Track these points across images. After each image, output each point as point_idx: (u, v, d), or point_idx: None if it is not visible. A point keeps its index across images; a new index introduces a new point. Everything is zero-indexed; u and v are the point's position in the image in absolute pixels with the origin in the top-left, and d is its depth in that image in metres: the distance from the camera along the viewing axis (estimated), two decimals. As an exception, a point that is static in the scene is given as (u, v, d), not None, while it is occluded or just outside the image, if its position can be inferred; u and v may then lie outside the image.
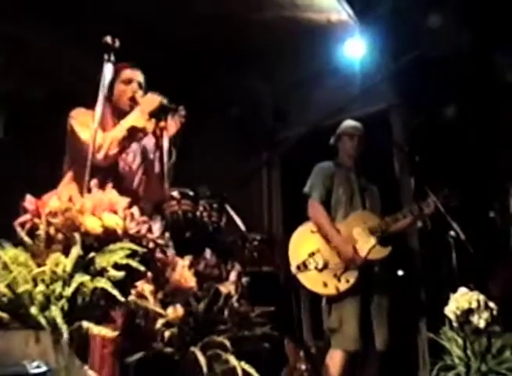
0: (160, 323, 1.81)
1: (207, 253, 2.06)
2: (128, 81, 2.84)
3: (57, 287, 1.42)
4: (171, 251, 1.80)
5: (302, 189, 3.82)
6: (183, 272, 1.79)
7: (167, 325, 1.84)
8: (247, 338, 2.00)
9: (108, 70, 2.41)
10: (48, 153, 2.90)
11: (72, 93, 3.11)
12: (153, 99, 2.71)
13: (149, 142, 2.89)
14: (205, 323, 1.93)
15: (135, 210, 1.62)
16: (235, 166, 5.40)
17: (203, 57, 5.10)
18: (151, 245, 1.58)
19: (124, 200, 1.61)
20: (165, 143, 2.63)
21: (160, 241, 1.63)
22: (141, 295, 1.68)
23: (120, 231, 1.51)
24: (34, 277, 1.44)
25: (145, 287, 1.64)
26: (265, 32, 4.95)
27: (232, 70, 5.26)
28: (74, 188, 1.61)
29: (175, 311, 1.85)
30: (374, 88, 4.74)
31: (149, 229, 1.60)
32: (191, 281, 1.85)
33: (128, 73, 2.85)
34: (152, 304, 1.75)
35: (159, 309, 1.64)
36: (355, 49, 4.81)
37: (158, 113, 2.71)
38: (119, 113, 2.80)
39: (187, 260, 1.83)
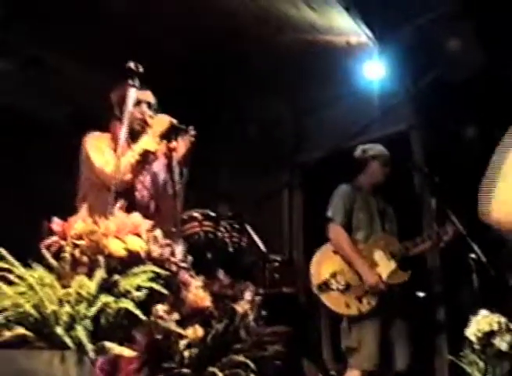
0: (182, 344, 1.84)
1: (220, 273, 2.09)
2: (137, 102, 2.82)
3: (82, 308, 1.45)
4: (190, 273, 1.83)
5: (323, 210, 3.82)
6: (198, 292, 1.82)
7: (187, 345, 1.86)
8: (262, 357, 2.02)
9: (132, 94, 2.45)
10: (70, 173, 2.95)
11: (93, 114, 3.17)
12: (163, 121, 2.75)
13: (160, 163, 2.93)
14: (222, 342, 1.95)
15: (158, 233, 1.65)
16: (256, 187, 5.43)
17: (224, 79, 5.18)
18: (174, 268, 1.62)
19: (147, 223, 1.65)
20: (175, 164, 2.67)
21: (182, 264, 1.66)
22: (158, 316, 1.70)
23: (143, 254, 1.54)
24: (59, 298, 1.48)
25: (158, 307, 1.67)
26: (285, 54, 5.00)
27: (252, 91, 5.33)
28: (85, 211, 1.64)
29: (195, 331, 1.87)
30: (394, 109, 4.76)
31: (172, 253, 1.64)
32: (206, 301, 1.87)
33: (137, 94, 2.76)
34: (172, 325, 1.77)
35: (180, 330, 1.67)
36: (375, 71, 4.84)
37: (168, 134, 2.74)
38: (132, 135, 2.78)
39: (200, 281, 1.86)
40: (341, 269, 3.64)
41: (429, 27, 4.33)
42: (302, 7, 4.50)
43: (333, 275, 3.62)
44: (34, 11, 4.37)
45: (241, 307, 2.04)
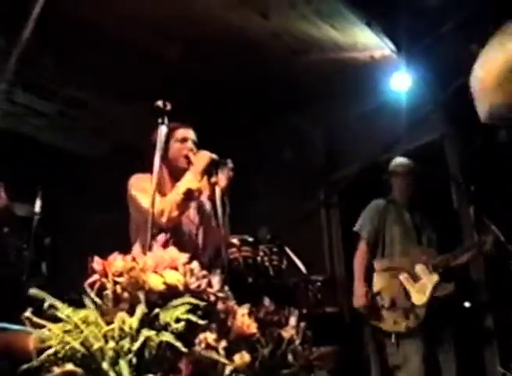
0: (228, 370, 1.86)
1: (266, 300, 2.11)
2: (184, 140, 2.97)
3: (125, 343, 1.49)
4: (231, 301, 1.86)
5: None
6: (244, 319, 1.84)
7: (235, 372, 1.88)
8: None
9: (162, 132, 2.53)
10: (114, 208, 3.06)
11: (132, 149, 3.28)
12: (204, 157, 2.84)
13: (204, 197, 3.01)
14: (270, 367, 1.97)
15: (195, 265, 1.69)
16: (292, 208, 5.44)
17: (252, 102, 5.26)
18: (212, 298, 1.66)
19: (184, 256, 1.69)
20: (218, 197, 2.74)
21: (220, 294, 1.70)
22: (208, 345, 1.73)
23: (181, 287, 1.59)
24: (104, 334, 1.53)
25: (207, 336, 1.70)
26: (311, 74, 5.06)
27: (281, 113, 5.39)
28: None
29: (242, 357, 1.89)
30: (425, 119, 4.72)
31: (209, 283, 1.68)
32: (253, 328, 1.90)
33: (182, 132, 2.98)
34: (218, 352, 1.80)
35: (222, 358, 1.69)
36: (402, 82, 4.83)
37: (209, 169, 2.83)
38: (176, 173, 2.90)
39: (245, 308, 1.89)
40: (386, 285, 3.63)
41: (452, 33, 4.30)
42: (324, 27, 4.56)
43: (378, 293, 3.63)
44: (72, 55, 4.58)
45: (287, 332, 2.06)
